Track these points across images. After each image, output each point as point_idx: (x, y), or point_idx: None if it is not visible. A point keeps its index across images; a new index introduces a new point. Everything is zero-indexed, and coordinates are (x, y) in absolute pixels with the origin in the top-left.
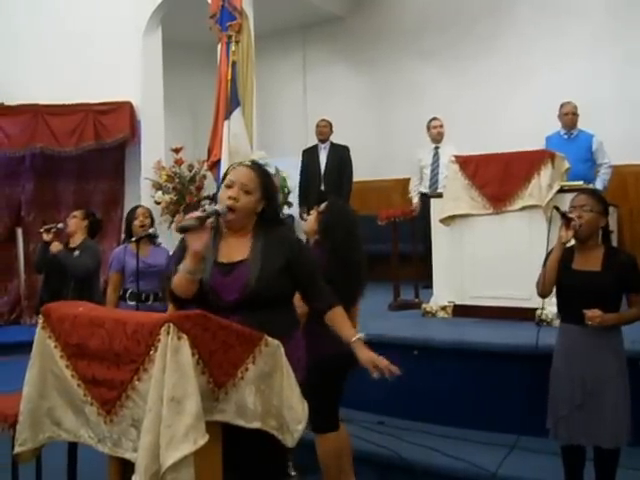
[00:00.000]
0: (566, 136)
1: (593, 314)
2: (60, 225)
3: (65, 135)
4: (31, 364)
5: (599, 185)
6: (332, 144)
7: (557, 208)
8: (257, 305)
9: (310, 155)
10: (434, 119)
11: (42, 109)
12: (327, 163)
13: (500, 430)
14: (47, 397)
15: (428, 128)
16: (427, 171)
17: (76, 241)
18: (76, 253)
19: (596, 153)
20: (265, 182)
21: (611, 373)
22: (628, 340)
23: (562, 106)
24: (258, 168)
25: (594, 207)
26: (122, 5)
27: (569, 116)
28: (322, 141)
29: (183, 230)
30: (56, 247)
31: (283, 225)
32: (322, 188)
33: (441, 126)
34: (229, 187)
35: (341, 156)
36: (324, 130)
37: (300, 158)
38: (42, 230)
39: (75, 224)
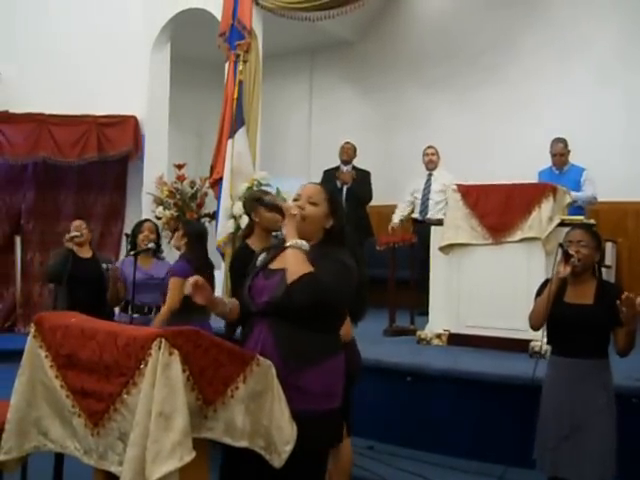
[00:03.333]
0: (557, 171)
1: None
2: (79, 234)
3: (68, 146)
4: (21, 373)
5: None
6: (354, 167)
7: (562, 245)
8: (285, 315)
9: (332, 176)
10: (428, 147)
11: (46, 119)
12: (349, 186)
13: (490, 460)
14: (35, 406)
15: (423, 155)
16: (419, 196)
17: (86, 252)
18: (104, 266)
19: (583, 184)
20: (332, 198)
21: (599, 407)
22: (621, 376)
23: (552, 145)
24: (324, 186)
25: (590, 243)
26: (132, 19)
27: (557, 157)
28: (345, 162)
29: None
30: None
31: (345, 248)
32: None
33: (433, 154)
34: (296, 200)
35: (362, 180)
36: (349, 152)
37: (303, 180)
38: (68, 238)
39: (88, 235)
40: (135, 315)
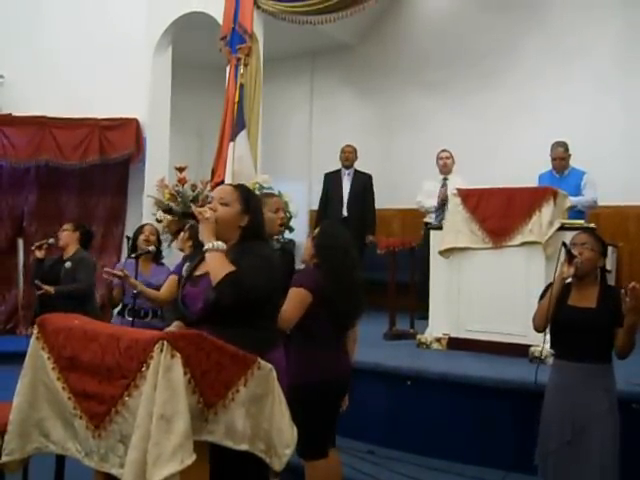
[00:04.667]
0: (558, 175)
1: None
2: (51, 240)
3: (70, 149)
4: (23, 374)
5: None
6: (356, 171)
7: (565, 244)
8: (221, 317)
9: (333, 180)
10: (442, 151)
11: (49, 122)
12: (350, 190)
13: (490, 465)
14: (37, 408)
15: (437, 159)
16: (434, 201)
17: (69, 252)
18: (67, 264)
19: (584, 187)
20: (245, 196)
21: (601, 411)
22: (621, 381)
23: (552, 149)
24: (238, 185)
25: (594, 246)
26: (134, 23)
27: (557, 161)
28: (346, 167)
29: None
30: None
31: (265, 242)
32: (344, 214)
33: (448, 157)
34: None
35: (364, 184)
36: (350, 156)
37: (304, 183)
38: (34, 247)
39: (67, 237)
40: (129, 318)
